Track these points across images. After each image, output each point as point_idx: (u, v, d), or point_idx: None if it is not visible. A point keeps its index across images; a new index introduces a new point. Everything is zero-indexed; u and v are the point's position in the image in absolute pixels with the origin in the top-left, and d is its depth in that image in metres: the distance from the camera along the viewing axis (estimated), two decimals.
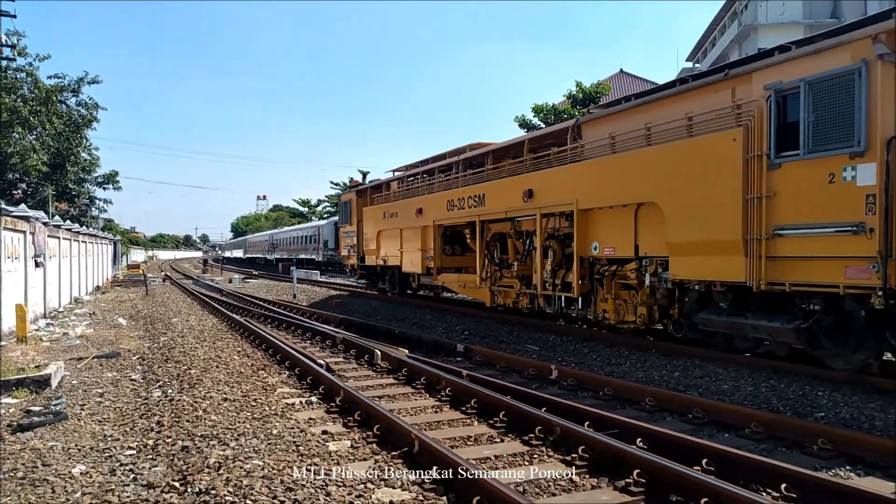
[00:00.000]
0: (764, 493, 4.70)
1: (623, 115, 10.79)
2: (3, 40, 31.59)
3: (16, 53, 34.04)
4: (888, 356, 8.33)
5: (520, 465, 5.52)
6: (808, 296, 7.98)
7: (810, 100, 7.67)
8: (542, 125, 29.78)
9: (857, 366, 7.94)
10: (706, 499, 4.35)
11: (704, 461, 5.11)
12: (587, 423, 6.23)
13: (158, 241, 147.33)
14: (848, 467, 5.44)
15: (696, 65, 65.88)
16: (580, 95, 29.79)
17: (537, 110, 29.68)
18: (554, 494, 4.88)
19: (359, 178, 58.61)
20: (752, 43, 48.50)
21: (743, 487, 4.56)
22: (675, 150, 9.41)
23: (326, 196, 70.10)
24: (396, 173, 21.54)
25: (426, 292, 20.21)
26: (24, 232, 15.72)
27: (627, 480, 4.89)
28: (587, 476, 5.19)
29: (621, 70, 54.60)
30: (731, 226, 8.48)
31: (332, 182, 61.68)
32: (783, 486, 4.66)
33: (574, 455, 5.46)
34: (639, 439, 5.71)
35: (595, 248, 11.27)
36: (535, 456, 5.68)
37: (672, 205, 9.44)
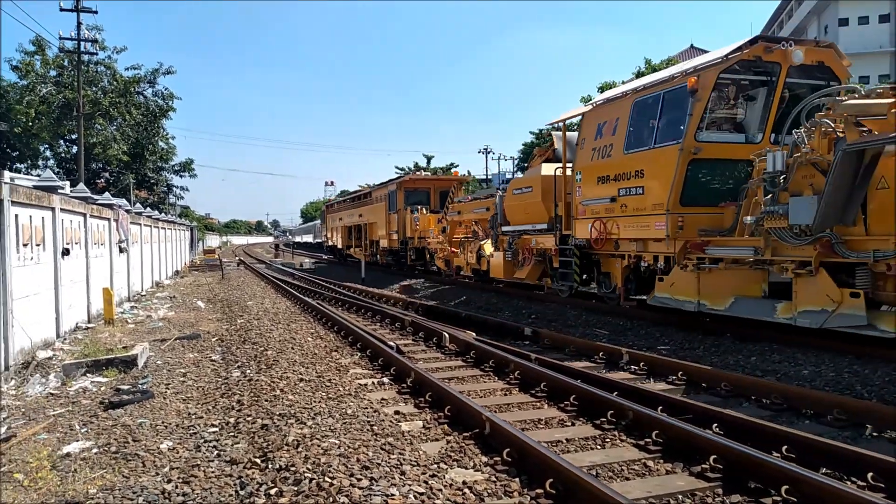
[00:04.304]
0: (848, 482, 4.55)
1: (377, 190, 31.30)
2: (84, 35, 32.98)
3: (98, 48, 35.45)
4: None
5: (592, 448, 5.50)
6: (393, 250, 29.51)
7: (394, 197, 28.09)
8: None
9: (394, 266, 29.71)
10: (786, 486, 4.24)
11: (784, 448, 4.97)
12: (660, 407, 6.14)
13: (232, 227, 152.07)
14: None
15: None
16: (649, 73, 29.07)
17: (605, 89, 29.14)
18: (628, 478, 4.85)
19: (423, 162, 58.77)
20: (832, 13, 46.16)
21: (826, 476, 4.43)
22: (378, 207, 30.39)
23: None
24: (339, 198, 45.33)
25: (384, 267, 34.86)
26: (108, 219, 16.50)
27: (703, 466, 4.80)
28: (661, 461, 5.13)
29: (692, 45, 52.93)
30: (387, 229, 28.84)
31: (396, 167, 62.21)
32: (870, 475, 4.49)
33: (647, 440, 5.40)
34: (714, 425, 5.60)
35: (374, 236, 31.20)
36: (608, 440, 5.65)
37: (379, 222, 30.03)
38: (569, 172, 13.75)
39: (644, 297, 11.97)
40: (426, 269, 24.99)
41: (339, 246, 38.94)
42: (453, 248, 20.97)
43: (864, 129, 7.94)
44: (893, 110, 7.86)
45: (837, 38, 45.49)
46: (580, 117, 13.77)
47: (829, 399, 6.40)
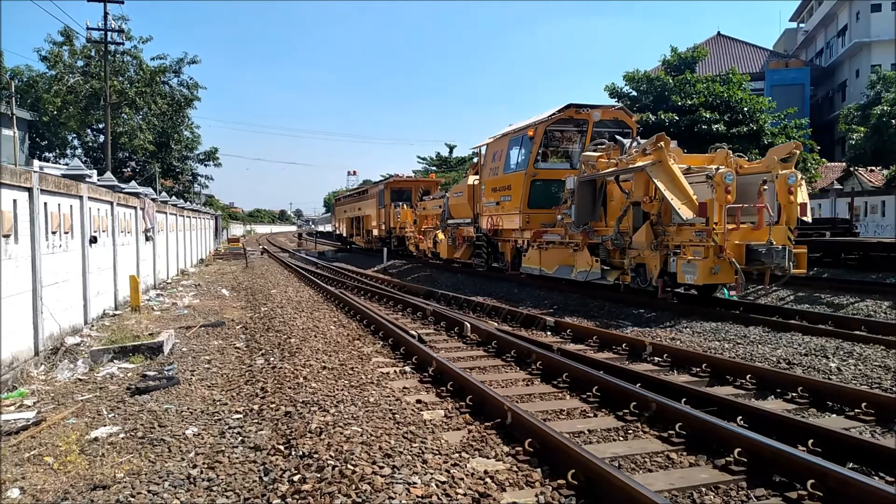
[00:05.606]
0: (875, 478, 4.48)
1: (371, 188, 38.21)
2: (111, 25, 33.26)
3: (124, 38, 35.72)
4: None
5: (614, 439, 5.48)
6: (381, 238, 34.83)
7: (382, 195, 33.90)
8: (634, 93, 28.93)
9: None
10: (812, 480, 4.20)
11: (810, 441, 4.92)
12: (684, 399, 6.10)
13: (255, 216, 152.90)
14: None
15: (801, 24, 62.10)
16: (675, 61, 28.69)
17: (629, 78, 28.82)
18: (650, 470, 4.82)
19: (445, 152, 58.62)
20: (864, 2, 45.13)
21: (852, 470, 4.37)
22: (372, 203, 36.22)
23: (413, 171, 70.92)
24: (345, 194, 54.41)
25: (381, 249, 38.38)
26: (134, 208, 16.69)
27: (728, 459, 4.76)
28: (685, 453, 5.09)
29: (718, 33, 52.23)
30: (377, 221, 34.63)
31: (418, 157, 62.33)
32: None
33: (671, 432, 5.37)
34: (739, 417, 5.55)
35: (369, 227, 37.02)
36: (630, 431, 5.62)
37: (372, 214, 35.96)
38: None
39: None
40: (405, 253, 30.63)
41: (345, 235, 46.91)
42: (420, 236, 26.99)
43: (594, 167, 13.26)
44: (600, 160, 13.14)
45: (869, 25, 44.54)
46: (486, 146, 19.67)
47: (856, 393, 6.30)
